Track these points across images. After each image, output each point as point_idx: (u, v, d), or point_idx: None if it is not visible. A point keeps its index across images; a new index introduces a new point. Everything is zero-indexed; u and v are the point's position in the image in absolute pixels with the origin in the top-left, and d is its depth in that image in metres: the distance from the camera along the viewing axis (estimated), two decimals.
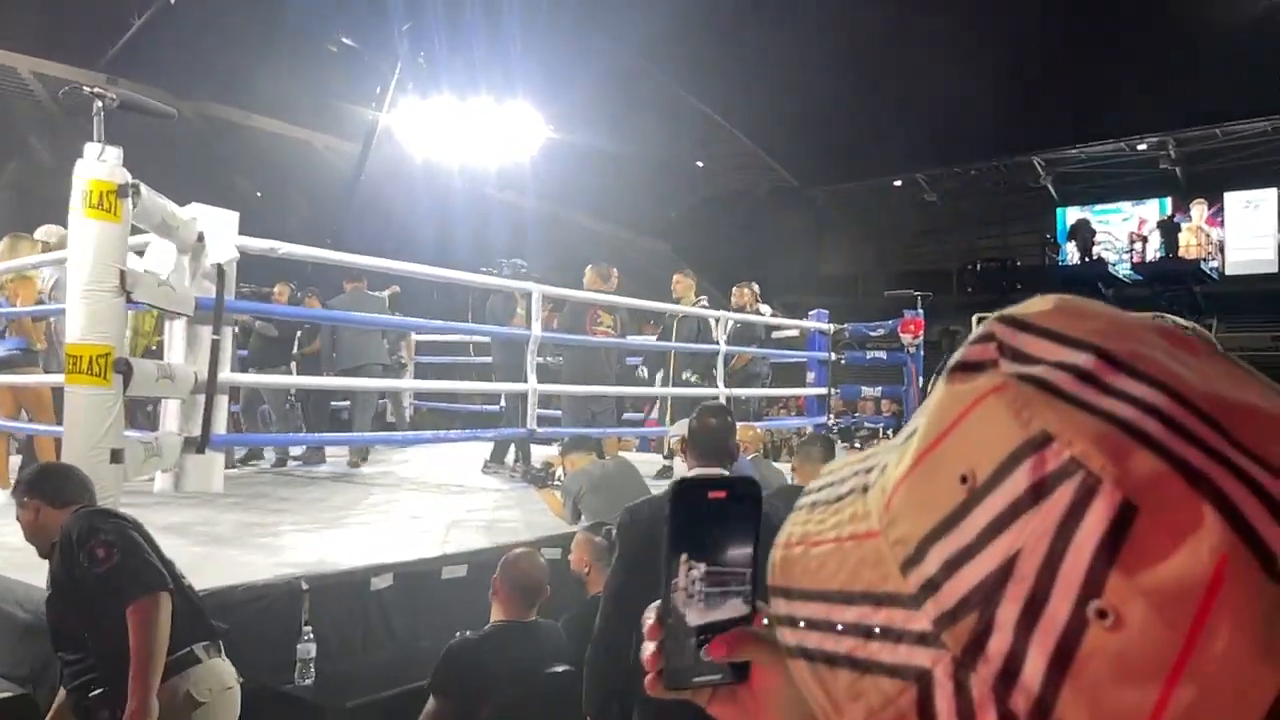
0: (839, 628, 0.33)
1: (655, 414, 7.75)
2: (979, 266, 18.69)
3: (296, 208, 12.49)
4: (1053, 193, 18.54)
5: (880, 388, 9.18)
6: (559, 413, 6.85)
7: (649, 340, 7.64)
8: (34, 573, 2.98)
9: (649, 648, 0.50)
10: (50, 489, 2.62)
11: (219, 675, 2.59)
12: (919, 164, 18.03)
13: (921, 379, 8.32)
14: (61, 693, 2.62)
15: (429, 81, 12.20)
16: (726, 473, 2.96)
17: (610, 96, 14.06)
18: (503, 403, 7.43)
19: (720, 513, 0.51)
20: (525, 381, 5.81)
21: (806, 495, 0.39)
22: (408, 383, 7.38)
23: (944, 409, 0.33)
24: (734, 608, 0.50)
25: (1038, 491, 0.29)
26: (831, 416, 8.57)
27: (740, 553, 0.51)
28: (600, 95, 13.82)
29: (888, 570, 0.33)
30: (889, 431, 9.48)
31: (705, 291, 7.90)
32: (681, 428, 5.25)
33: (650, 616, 0.51)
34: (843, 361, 8.62)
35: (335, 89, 13.45)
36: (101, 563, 2.37)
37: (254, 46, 12.27)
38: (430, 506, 5.14)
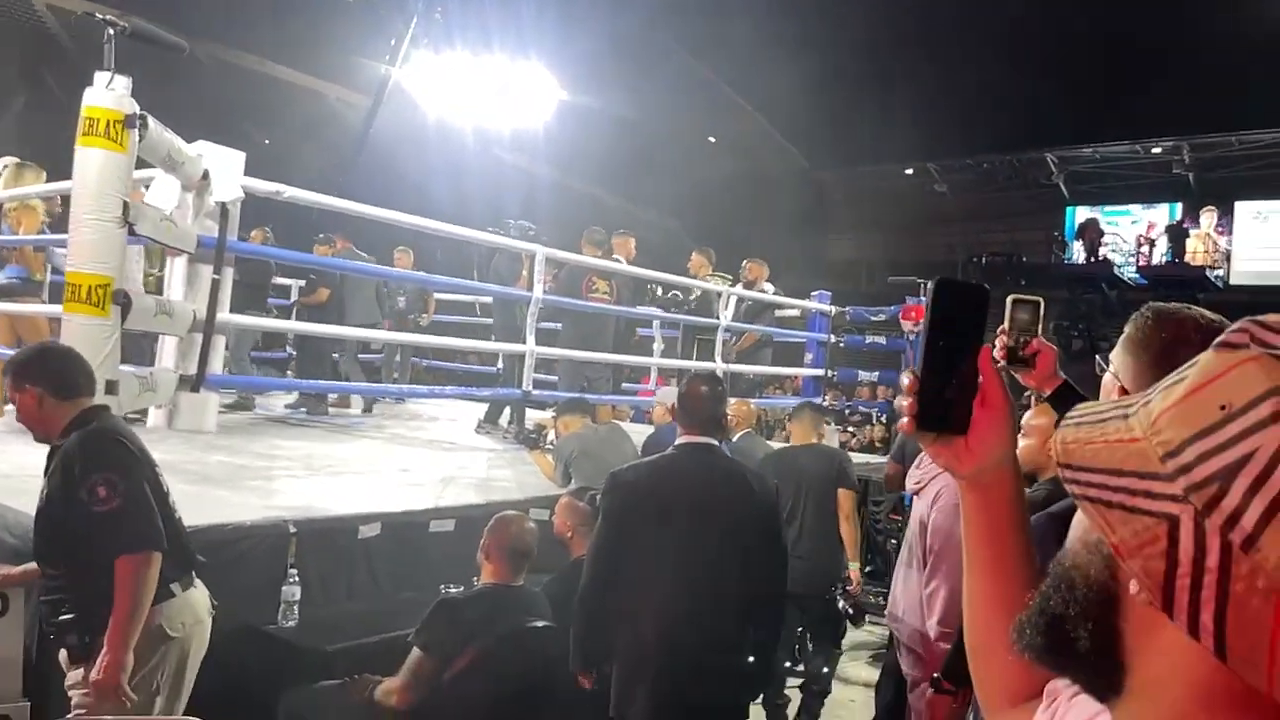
0: (1113, 488, 0.53)
1: (651, 384, 7.75)
2: (985, 260, 18.64)
3: (305, 157, 12.41)
4: (1063, 191, 18.44)
5: (877, 373, 9.18)
6: (555, 377, 6.86)
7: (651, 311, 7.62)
8: (25, 499, 2.99)
9: (905, 400, 0.79)
10: (53, 377, 2.47)
11: (193, 608, 2.58)
12: (932, 153, 17.91)
13: None
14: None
15: (442, 37, 12.07)
16: (715, 442, 2.96)
17: (623, 61, 13.89)
18: (500, 364, 7.44)
19: (963, 306, 0.78)
20: (523, 343, 5.81)
21: (1069, 420, 0.59)
22: (406, 336, 7.38)
23: (1211, 367, 0.53)
24: (966, 372, 0.77)
25: (1276, 416, 0.48)
26: (827, 398, 8.59)
27: (971, 336, 0.77)
28: (613, 60, 13.65)
29: (1149, 460, 0.52)
30: (882, 417, 9.49)
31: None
32: (667, 394, 5.28)
33: (906, 377, 0.79)
34: (841, 344, 8.62)
35: (351, 41, 13.30)
36: (102, 503, 2.30)
37: None
38: (422, 462, 5.15)
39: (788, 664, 4.62)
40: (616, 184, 17.05)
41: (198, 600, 2.61)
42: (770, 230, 15.58)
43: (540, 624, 3.05)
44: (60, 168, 5.47)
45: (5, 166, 5.68)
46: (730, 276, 7.80)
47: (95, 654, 2.30)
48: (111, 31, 3.20)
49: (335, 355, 7.32)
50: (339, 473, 4.58)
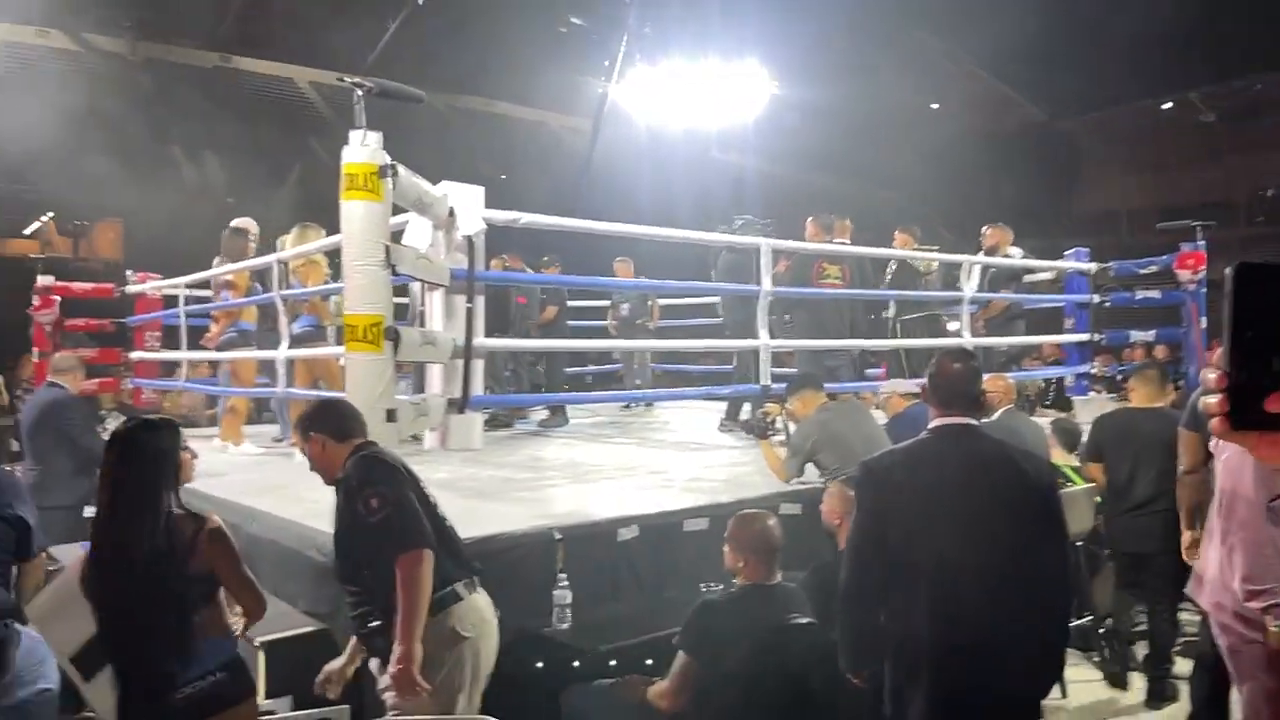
0: None
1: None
2: (1272, 193, 16.30)
3: (535, 185, 13.11)
4: None
5: (1153, 331, 8.23)
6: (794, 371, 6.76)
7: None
8: (331, 521, 3.36)
9: (1212, 398, 0.71)
10: (332, 424, 2.84)
11: (479, 610, 2.78)
12: (1192, 81, 15.90)
13: (1204, 319, 7.38)
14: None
15: (657, 49, 12.31)
16: (974, 422, 2.76)
17: (838, 46, 13.54)
18: (735, 361, 7.44)
19: (1269, 289, 0.71)
20: (756, 338, 5.78)
21: None
22: (640, 343, 7.58)
23: None
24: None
25: None
26: (1095, 364, 7.85)
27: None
28: (828, 45, 13.34)
29: None
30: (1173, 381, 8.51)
31: (942, 240, 7.53)
32: (893, 385, 5.02)
33: (1212, 373, 0.72)
34: (1107, 304, 7.83)
35: (566, 69, 13.93)
36: (374, 513, 2.57)
37: (491, 36, 12.96)
38: (670, 463, 5.26)
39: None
40: (833, 165, 16.63)
41: (483, 603, 2.81)
42: (1011, 191, 14.53)
43: (803, 621, 3.00)
44: (334, 226, 6.14)
45: (244, 231, 6.42)
46: (934, 246, 7.44)
47: None
48: (360, 92, 3.55)
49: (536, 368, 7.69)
50: (596, 479, 4.78)
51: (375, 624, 2.63)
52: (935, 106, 17.04)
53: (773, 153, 15.19)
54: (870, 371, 7.50)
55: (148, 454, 2.46)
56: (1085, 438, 4.97)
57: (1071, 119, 17.52)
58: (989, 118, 17.17)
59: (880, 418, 5.02)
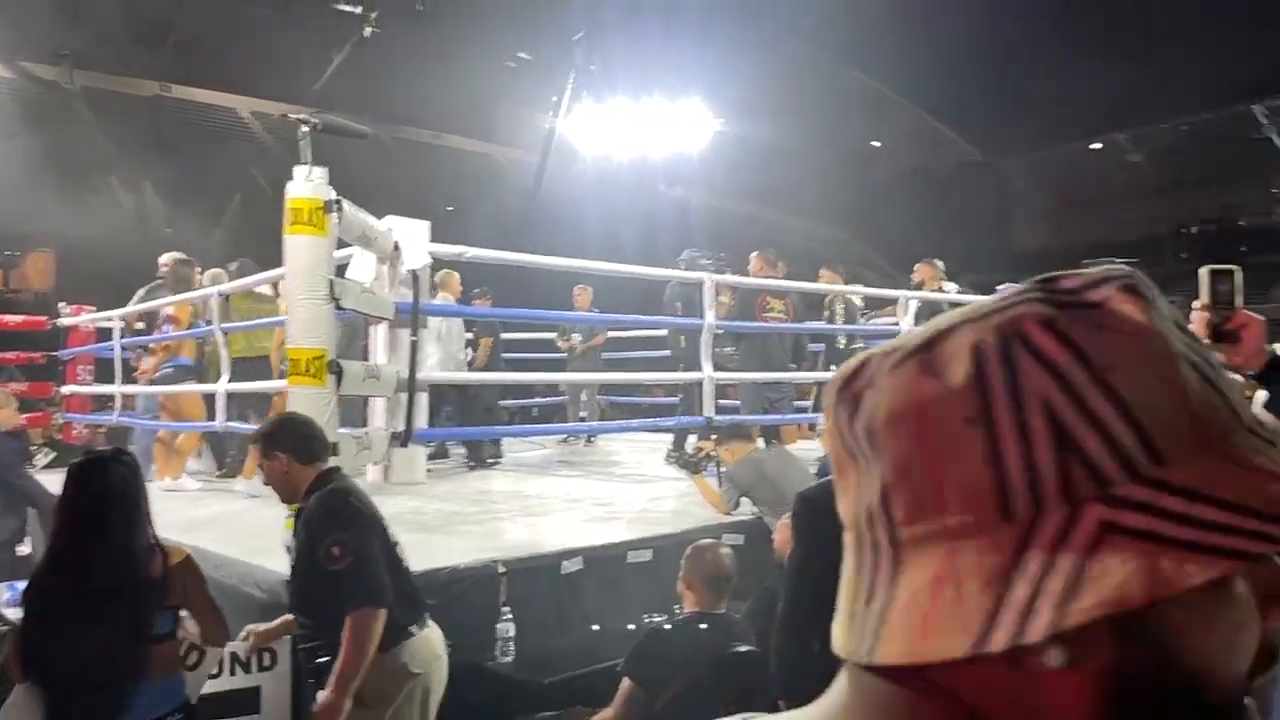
0: None
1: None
2: (1195, 230, 17.03)
3: (484, 219, 13.14)
4: (1278, 144, 16.60)
5: None
6: (738, 403, 6.85)
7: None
8: (272, 558, 3.32)
9: None
10: (300, 446, 2.74)
11: (430, 645, 2.78)
12: (1119, 123, 16.62)
13: None
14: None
15: (604, 86, 12.50)
16: None
17: (780, 85, 13.88)
18: (680, 394, 7.52)
19: None
20: (700, 370, 5.87)
21: None
22: (582, 376, 7.62)
23: None
24: None
25: None
26: None
27: None
28: (770, 84, 13.67)
29: None
30: None
31: (887, 275, 7.74)
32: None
33: None
34: None
35: (514, 102, 14.05)
36: (335, 561, 2.53)
37: (439, 70, 13.02)
38: (616, 495, 5.29)
39: None
40: (777, 201, 16.95)
41: (434, 638, 2.81)
42: (949, 228, 14.95)
43: (744, 649, 3.04)
44: (274, 255, 6.08)
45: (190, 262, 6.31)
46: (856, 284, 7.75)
47: None
48: (305, 129, 3.57)
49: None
50: (541, 512, 4.78)
51: (323, 660, 2.61)
52: (876, 145, 17.52)
53: (718, 187, 15.46)
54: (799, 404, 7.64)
55: (126, 486, 2.39)
56: None
57: (1006, 158, 18.15)
58: (927, 156, 17.71)
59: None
